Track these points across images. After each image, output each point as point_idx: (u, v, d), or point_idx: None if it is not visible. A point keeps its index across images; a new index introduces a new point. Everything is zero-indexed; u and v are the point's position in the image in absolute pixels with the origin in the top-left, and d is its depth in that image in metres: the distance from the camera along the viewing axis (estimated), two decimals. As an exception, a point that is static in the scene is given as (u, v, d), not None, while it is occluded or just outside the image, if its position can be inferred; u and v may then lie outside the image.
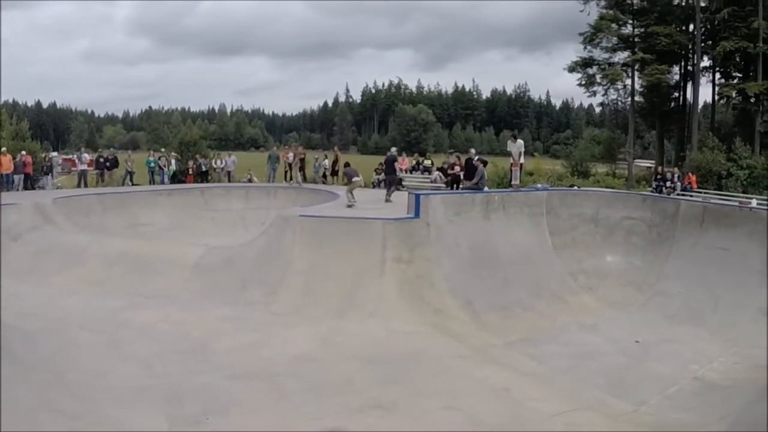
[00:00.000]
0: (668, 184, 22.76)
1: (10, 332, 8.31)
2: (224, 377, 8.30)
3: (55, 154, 38.65)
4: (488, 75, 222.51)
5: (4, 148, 20.89)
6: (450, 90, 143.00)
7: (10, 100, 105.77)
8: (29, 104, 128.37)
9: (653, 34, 36.36)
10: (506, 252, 13.62)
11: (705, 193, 23.71)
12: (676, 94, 40.46)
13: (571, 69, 41.08)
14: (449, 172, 20.34)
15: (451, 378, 8.60)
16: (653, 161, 42.75)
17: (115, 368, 8.43)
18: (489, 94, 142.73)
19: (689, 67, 38.66)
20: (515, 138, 17.86)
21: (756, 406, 7.25)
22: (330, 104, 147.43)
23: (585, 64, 40.56)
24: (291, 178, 24.12)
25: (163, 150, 27.54)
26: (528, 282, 13.18)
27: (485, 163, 16.48)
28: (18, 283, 12.06)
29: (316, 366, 8.90)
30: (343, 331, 10.36)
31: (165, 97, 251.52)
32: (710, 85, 38.88)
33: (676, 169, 25.23)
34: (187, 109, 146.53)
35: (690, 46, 37.23)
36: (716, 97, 39.06)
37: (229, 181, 25.78)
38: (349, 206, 15.38)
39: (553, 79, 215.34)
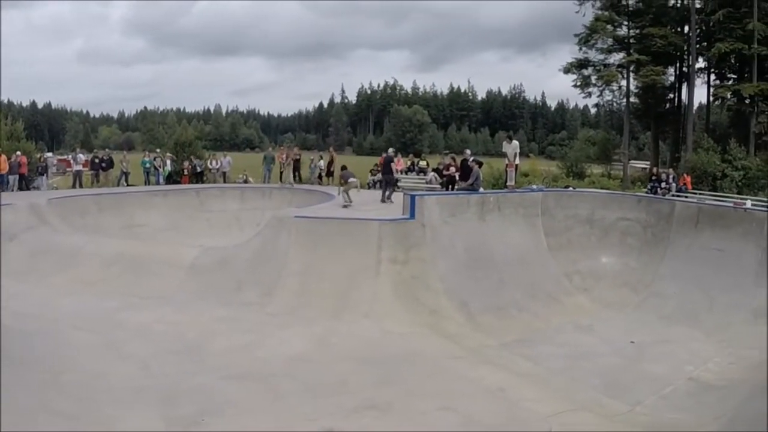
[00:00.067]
0: (663, 185, 22.76)
1: (7, 333, 8.30)
2: (220, 378, 8.29)
3: (50, 154, 38.38)
4: (484, 76, 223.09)
5: (-1, 149, 20.83)
6: (445, 91, 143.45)
7: (5, 100, 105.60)
8: (24, 104, 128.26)
9: (648, 36, 36.53)
10: (501, 253, 13.63)
11: (700, 194, 23.72)
12: (671, 96, 40.67)
13: (567, 70, 41.23)
14: (444, 173, 20.33)
15: (447, 379, 8.59)
16: (648, 162, 42.81)
17: (111, 369, 8.41)
18: (484, 95, 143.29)
19: (684, 69, 38.82)
20: (510, 139, 17.88)
21: (751, 404, 7.30)
22: (325, 105, 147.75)
23: (580, 65, 40.69)
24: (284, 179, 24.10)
25: (158, 150, 27.52)
26: (523, 283, 13.20)
27: (480, 164, 16.53)
28: (14, 284, 11.99)
29: (311, 367, 8.89)
30: (338, 331, 10.35)
31: (160, 98, 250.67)
32: (705, 86, 39.11)
33: (671, 170, 25.21)
34: (182, 109, 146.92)
35: (685, 48, 37.43)
36: (711, 99, 39.25)
37: (225, 181, 25.75)
38: (345, 207, 15.38)
39: (549, 80, 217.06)
